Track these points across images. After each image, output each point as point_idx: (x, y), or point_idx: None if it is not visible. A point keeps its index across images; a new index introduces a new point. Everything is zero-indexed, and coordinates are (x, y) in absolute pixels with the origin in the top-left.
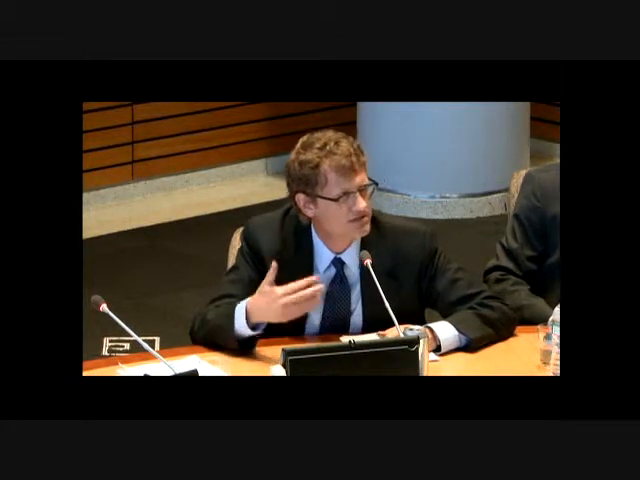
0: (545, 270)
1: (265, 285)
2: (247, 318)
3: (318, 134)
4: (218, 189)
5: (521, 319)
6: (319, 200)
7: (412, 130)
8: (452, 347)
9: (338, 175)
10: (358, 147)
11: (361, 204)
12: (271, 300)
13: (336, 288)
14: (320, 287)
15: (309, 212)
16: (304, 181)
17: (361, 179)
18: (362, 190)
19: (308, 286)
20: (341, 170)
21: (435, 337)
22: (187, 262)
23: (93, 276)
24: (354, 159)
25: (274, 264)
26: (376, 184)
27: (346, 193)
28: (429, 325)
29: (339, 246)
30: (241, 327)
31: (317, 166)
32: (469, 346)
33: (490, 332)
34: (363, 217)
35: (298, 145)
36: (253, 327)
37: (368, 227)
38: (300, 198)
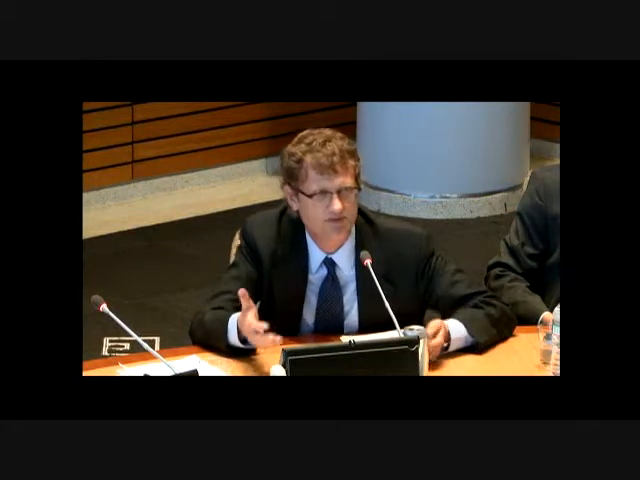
0: (547, 268)
1: (243, 311)
2: (238, 331)
3: (315, 130)
4: (218, 189)
5: (516, 315)
6: (300, 195)
7: (412, 130)
8: (459, 347)
9: (317, 172)
10: (349, 150)
11: (335, 205)
12: (244, 326)
13: (328, 288)
14: (279, 339)
15: (294, 205)
16: (289, 173)
17: (342, 181)
18: (341, 192)
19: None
20: (319, 168)
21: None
22: (187, 262)
23: (93, 276)
24: (336, 159)
25: (242, 291)
26: (359, 189)
27: (323, 192)
28: (444, 321)
29: (329, 246)
30: (233, 339)
31: (300, 161)
32: (475, 348)
33: (494, 333)
34: (340, 219)
35: (296, 138)
36: (244, 340)
37: (346, 230)
38: (287, 190)
